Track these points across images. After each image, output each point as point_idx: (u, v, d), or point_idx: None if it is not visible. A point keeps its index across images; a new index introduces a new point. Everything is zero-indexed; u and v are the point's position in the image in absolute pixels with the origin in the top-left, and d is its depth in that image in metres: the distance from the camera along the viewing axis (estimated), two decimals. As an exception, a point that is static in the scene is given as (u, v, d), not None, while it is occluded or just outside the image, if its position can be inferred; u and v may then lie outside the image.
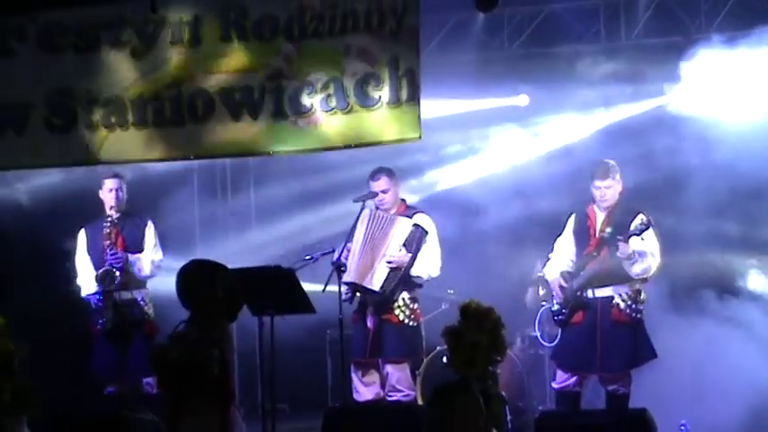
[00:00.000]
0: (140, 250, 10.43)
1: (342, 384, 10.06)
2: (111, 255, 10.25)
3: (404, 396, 9.91)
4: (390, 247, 9.85)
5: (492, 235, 12.55)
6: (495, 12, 9.53)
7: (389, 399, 9.90)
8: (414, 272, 9.91)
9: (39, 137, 10.19)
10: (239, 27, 9.81)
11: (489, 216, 12.50)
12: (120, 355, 10.02)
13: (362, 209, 9.96)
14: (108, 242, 10.32)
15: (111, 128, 10.06)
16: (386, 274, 9.83)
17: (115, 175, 10.53)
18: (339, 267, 9.76)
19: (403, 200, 10.22)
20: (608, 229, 9.48)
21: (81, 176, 11.24)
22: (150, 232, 10.56)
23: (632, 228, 9.30)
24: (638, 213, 9.47)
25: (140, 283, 10.45)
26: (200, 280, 7.64)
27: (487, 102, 12.77)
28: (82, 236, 10.57)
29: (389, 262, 9.83)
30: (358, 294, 10.02)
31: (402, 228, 9.90)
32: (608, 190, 9.62)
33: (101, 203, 10.53)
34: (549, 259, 10.00)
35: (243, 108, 9.80)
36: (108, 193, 10.46)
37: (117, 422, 8.75)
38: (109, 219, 10.43)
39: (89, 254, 10.48)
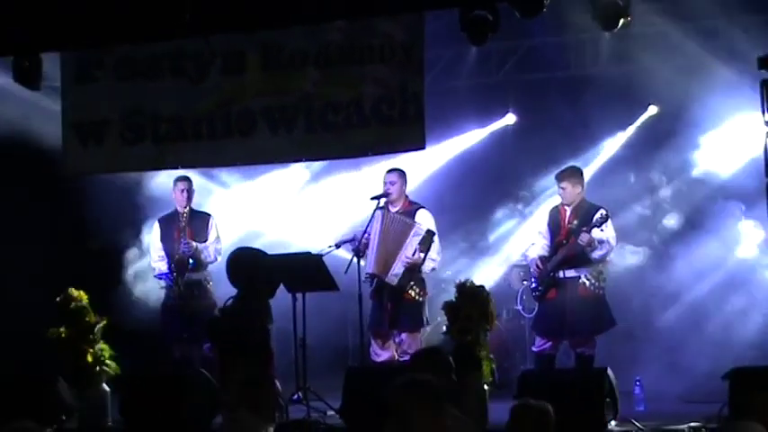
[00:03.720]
0: (204, 240, 10.43)
1: (360, 348, 10.04)
2: (184, 244, 10.26)
3: (413, 358, 9.90)
4: (408, 249, 9.76)
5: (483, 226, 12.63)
6: (485, 46, 9.51)
7: (401, 360, 9.89)
8: (424, 268, 9.86)
9: (115, 148, 10.23)
10: (276, 59, 9.82)
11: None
12: (183, 324, 10.07)
13: (377, 207, 9.94)
14: (178, 233, 10.35)
15: (173, 140, 10.09)
16: (401, 272, 9.77)
17: (185, 178, 10.56)
18: (358, 253, 9.78)
19: (406, 196, 10.19)
20: (575, 222, 9.55)
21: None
22: (213, 226, 10.55)
23: (594, 220, 9.36)
24: (599, 209, 9.54)
25: (203, 266, 10.42)
26: (244, 264, 7.69)
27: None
28: (156, 227, 10.60)
29: (407, 262, 9.80)
30: (375, 279, 9.99)
31: (417, 233, 9.77)
32: (564, 190, 9.71)
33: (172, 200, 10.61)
34: (531, 245, 10.04)
35: (280, 124, 9.82)
36: (179, 193, 10.48)
37: (177, 380, 8.80)
38: (180, 214, 10.48)
39: (162, 241, 10.50)
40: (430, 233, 9.81)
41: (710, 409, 7.93)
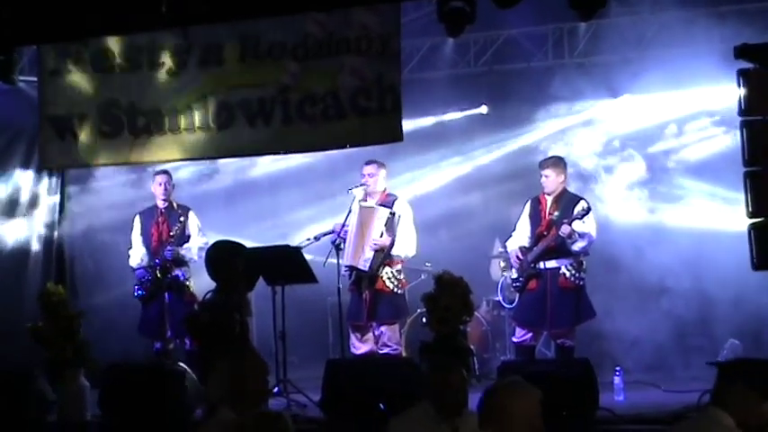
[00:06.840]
0: (183, 235, 10.30)
1: (340, 340, 10.00)
2: (168, 250, 10.14)
3: (392, 350, 9.87)
4: (374, 233, 9.80)
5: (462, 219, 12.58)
6: (462, 37, 9.48)
7: (381, 352, 9.87)
8: (394, 252, 9.85)
9: (92, 141, 10.18)
10: (254, 51, 9.79)
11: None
12: (158, 317, 10.01)
13: (354, 200, 9.92)
14: (156, 228, 10.29)
15: (150, 134, 10.04)
16: (372, 256, 9.78)
17: (164, 171, 10.49)
18: (337, 246, 9.76)
19: (385, 188, 10.14)
20: (555, 213, 9.52)
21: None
22: (193, 220, 10.44)
23: (575, 212, 9.34)
24: (580, 200, 9.52)
25: (182, 263, 10.32)
26: (223, 257, 7.64)
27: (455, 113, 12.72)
28: (137, 221, 10.51)
29: (374, 245, 9.78)
30: (354, 272, 9.96)
31: (381, 216, 9.84)
32: (547, 178, 9.66)
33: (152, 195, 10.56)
34: (511, 236, 9.98)
35: (258, 116, 9.79)
36: (158, 187, 10.40)
37: (156, 373, 8.75)
38: (158, 208, 10.41)
39: (141, 236, 10.42)
40: (393, 215, 9.81)
41: (690, 398, 7.95)
